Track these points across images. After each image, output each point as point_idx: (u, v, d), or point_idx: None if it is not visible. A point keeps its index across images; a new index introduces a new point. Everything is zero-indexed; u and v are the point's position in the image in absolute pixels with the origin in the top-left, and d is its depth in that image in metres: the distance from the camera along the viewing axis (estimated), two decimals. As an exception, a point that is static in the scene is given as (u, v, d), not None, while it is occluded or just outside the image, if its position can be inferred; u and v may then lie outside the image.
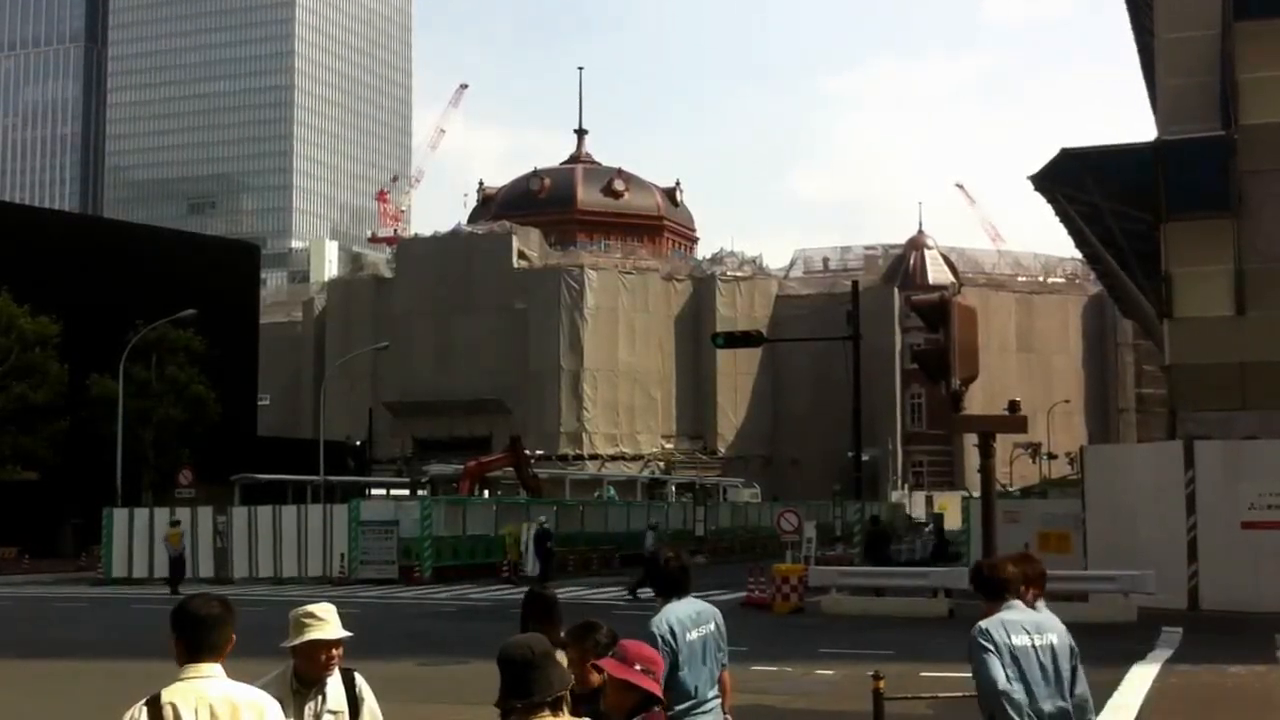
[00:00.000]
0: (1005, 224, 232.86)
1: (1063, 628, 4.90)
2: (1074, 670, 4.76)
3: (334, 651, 4.08)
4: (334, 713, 4.09)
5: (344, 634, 4.11)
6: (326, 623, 4.06)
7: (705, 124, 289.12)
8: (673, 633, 5.06)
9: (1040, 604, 5.00)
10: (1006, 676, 4.62)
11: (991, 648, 4.66)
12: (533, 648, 3.34)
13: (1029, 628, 4.73)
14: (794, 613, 21.14)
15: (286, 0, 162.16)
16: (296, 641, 4.04)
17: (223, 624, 3.47)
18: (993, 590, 4.84)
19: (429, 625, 20.52)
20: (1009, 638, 4.67)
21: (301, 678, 4.08)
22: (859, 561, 27.35)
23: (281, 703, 3.90)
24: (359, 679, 4.20)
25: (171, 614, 3.48)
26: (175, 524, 31.37)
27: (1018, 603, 4.81)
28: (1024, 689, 4.63)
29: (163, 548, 32.94)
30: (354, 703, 4.14)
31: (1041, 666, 4.68)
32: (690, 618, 5.18)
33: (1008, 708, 4.58)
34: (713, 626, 5.33)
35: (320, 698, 4.08)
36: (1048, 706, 4.65)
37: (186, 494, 37.77)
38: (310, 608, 4.09)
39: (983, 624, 4.75)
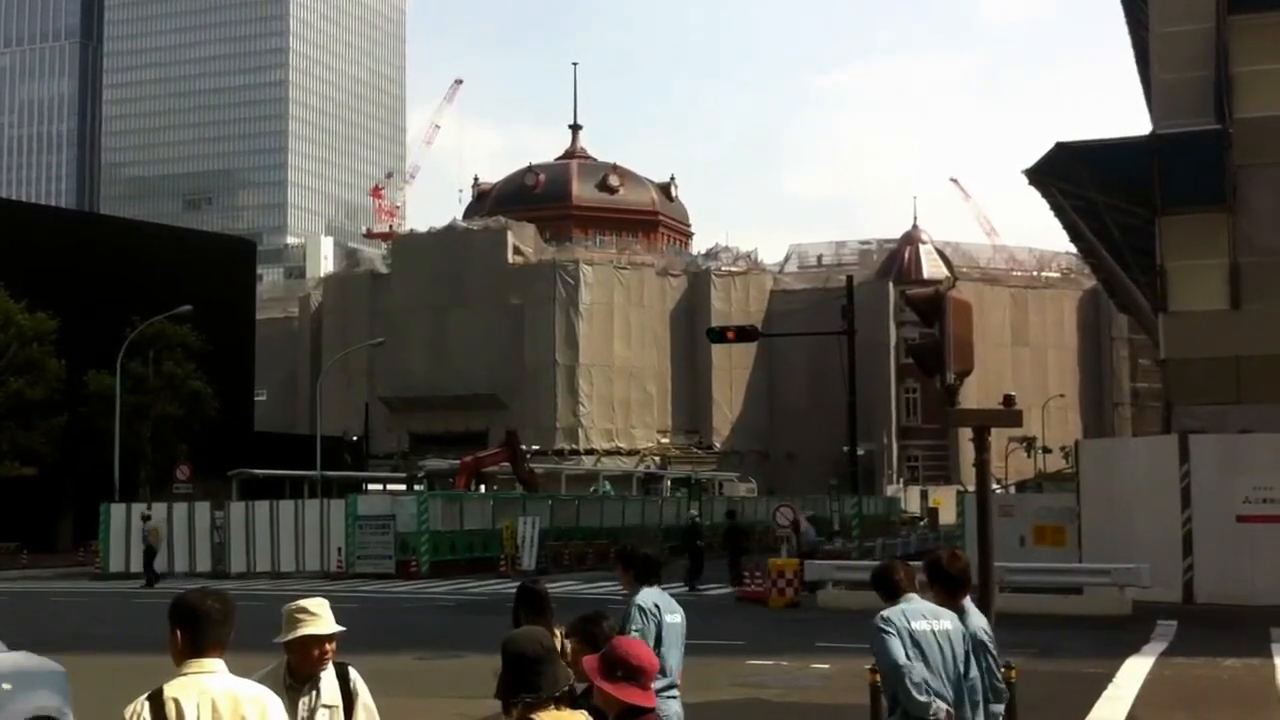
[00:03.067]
0: (1000, 219, 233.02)
1: (975, 623, 5.33)
2: (968, 655, 5.12)
3: (327, 647, 4.06)
4: (328, 707, 4.07)
5: (336, 629, 4.09)
6: (319, 617, 4.04)
7: (700, 119, 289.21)
8: (656, 608, 5.44)
9: (966, 602, 5.41)
10: (907, 655, 4.98)
11: (892, 630, 5.03)
12: (541, 642, 3.36)
13: (927, 615, 5.13)
14: (790, 607, 21.18)
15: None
16: (289, 637, 4.03)
17: (226, 620, 3.47)
18: (889, 591, 5.26)
19: (426, 620, 20.55)
20: (909, 622, 5.05)
21: (295, 673, 4.07)
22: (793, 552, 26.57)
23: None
24: (353, 673, 4.18)
25: (171, 607, 3.46)
26: (148, 518, 31.19)
27: (914, 596, 5.21)
28: (924, 668, 4.98)
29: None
30: (348, 697, 4.12)
31: (940, 649, 5.04)
32: (667, 603, 5.54)
33: (908, 682, 4.90)
34: (681, 617, 5.70)
35: (314, 693, 4.07)
36: (942, 686, 5.01)
37: (184, 489, 37.77)
38: (302, 602, 4.08)
39: (884, 612, 5.14)
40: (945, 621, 5.14)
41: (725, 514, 30.32)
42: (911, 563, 5.99)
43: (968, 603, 5.41)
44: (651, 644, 5.20)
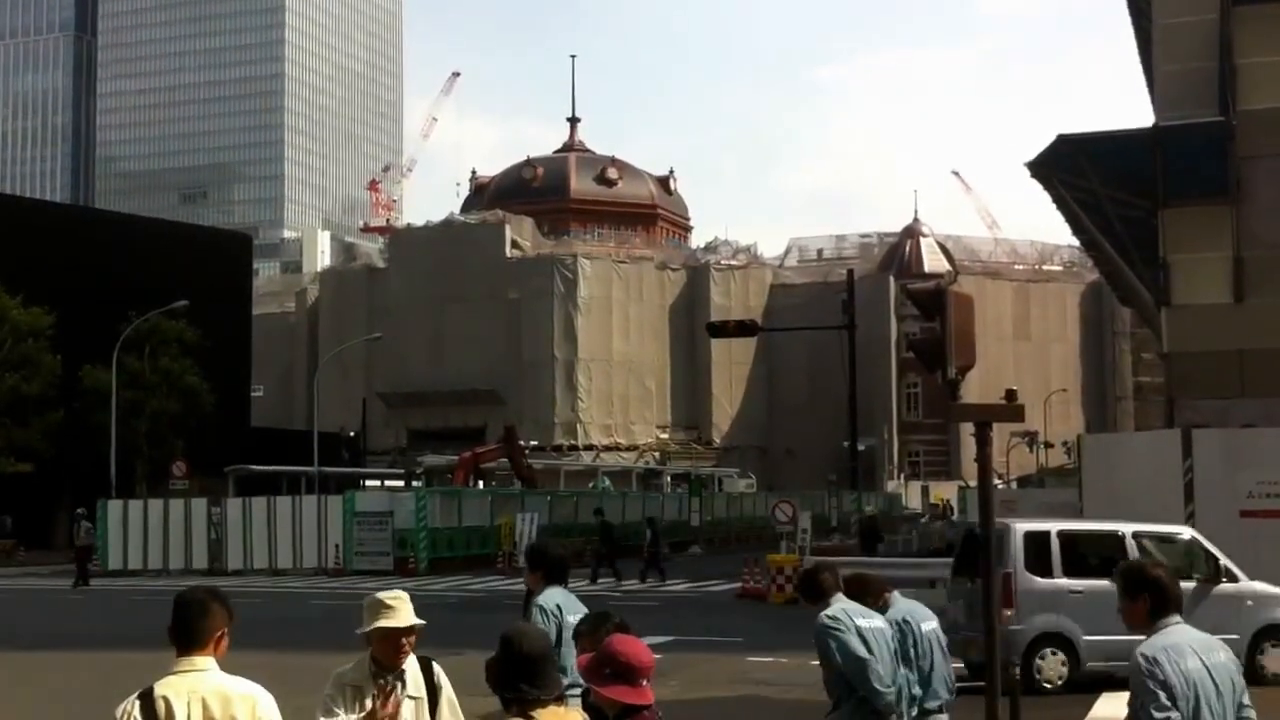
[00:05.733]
0: (1002, 212, 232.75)
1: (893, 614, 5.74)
2: (897, 651, 5.53)
3: (406, 640, 4.14)
4: (414, 699, 4.14)
5: (416, 622, 4.16)
6: (398, 610, 4.11)
7: (699, 112, 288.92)
8: (559, 608, 5.50)
9: (892, 596, 5.77)
10: (866, 648, 5.24)
11: (843, 629, 5.26)
12: (546, 640, 3.43)
13: (861, 613, 5.44)
14: (789, 603, 21.07)
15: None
16: (369, 628, 4.10)
17: (212, 616, 3.44)
18: (816, 594, 5.54)
19: (425, 617, 19.95)
20: (854, 620, 5.32)
21: (379, 663, 4.14)
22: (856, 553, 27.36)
23: (361, 687, 4.08)
24: (437, 668, 4.26)
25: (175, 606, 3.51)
26: (84, 516, 30.52)
27: (842, 596, 5.48)
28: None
29: (156, 538, 32.93)
30: (433, 690, 4.19)
31: (886, 646, 5.42)
32: (570, 604, 5.62)
33: (870, 677, 5.08)
34: (579, 618, 5.72)
35: (400, 683, 4.14)
36: (892, 681, 5.40)
37: (180, 485, 37.65)
38: (383, 595, 4.16)
39: (828, 611, 5.36)
40: (878, 620, 5.46)
41: (594, 511, 30.86)
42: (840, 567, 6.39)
43: (894, 595, 5.79)
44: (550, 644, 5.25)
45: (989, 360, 61.88)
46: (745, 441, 74.01)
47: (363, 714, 4.01)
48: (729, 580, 25.00)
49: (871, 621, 5.44)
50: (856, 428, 29.88)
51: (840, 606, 5.44)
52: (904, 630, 5.63)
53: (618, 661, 3.34)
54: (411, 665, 4.18)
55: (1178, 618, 4.10)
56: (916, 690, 5.64)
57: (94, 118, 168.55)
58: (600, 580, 26.56)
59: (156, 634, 3.68)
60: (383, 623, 4.09)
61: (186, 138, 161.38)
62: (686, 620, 18.70)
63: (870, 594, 5.70)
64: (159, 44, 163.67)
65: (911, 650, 5.65)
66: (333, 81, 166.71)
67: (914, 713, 5.60)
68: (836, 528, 34.38)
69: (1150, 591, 4.07)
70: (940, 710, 5.72)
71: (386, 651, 4.13)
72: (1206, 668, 4.04)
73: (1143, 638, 4.10)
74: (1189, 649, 4.05)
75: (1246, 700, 4.17)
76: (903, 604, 5.83)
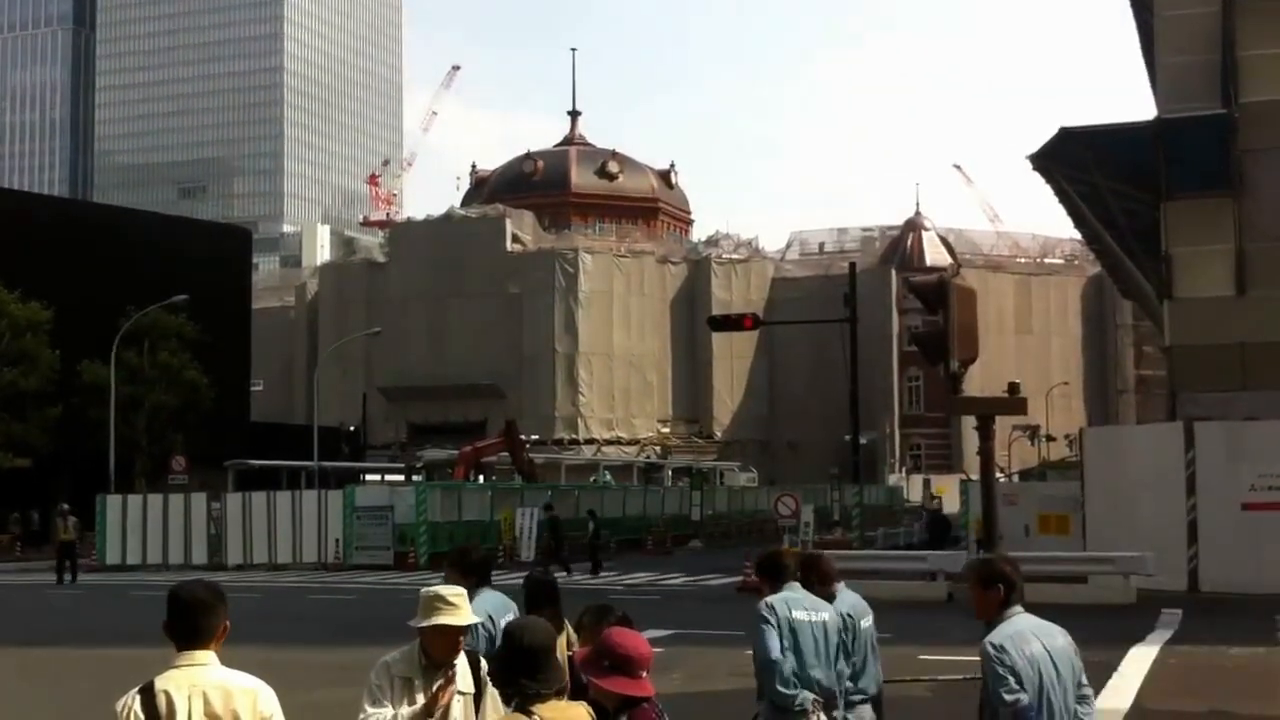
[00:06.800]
0: (1003, 205, 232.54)
1: (839, 609, 5.68)
2: (840, 644, 5.50)
3: (462, 636, 4.16)
4: (463, 694, 4.15)
5: (473, 620, 4.19)
6: (457, 608, 4.12)
7: (700, 105, 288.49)
8: (491, 620, 5.43)
9: (839, 587, 5.78)
10: (781, 648, 5.26)
11: (773, 621, 5.30)
12: (548, 634, 3.43)
13: (806, 605, 5.44)
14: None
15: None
16: (424, 624, 4.11)
17: (213, 610, 3.45)
18: (775, 576, 5.55)
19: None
20: (790, 612, 5.34)
21: (430, 656, 4.16)
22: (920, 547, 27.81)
23: (410, 679, 4.09)
24: (484, 663, 4.27)
25: (166, 600, 3.48)
26: (69, 512, 30.16)
27: (796, 584, 5.51)
28: (797, 659, 5.31)
29: (156, 533, 32.84)
30: (479, 686, 4.19)
31: (814, 639, 5.36)
32: (500, 606, 5.59)
33: (774, 677, 5.21)
34: (513, 615, 5.69)
35: (450, 677, 4.16)
36: (818, 675, 5.34)
37: (180, 480, 37.58)
38: (441, 590, 4.15)
39: (767, 599, 5.39)
40: (824, 613, 5.45)
41: (543, 507, 31.25)
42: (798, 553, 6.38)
43: (841, 586, 5.81)
44: (484, 649, 5.23)
45: (990, 354, 61.60)
46: (746, 435, 73.97)
47: (415, 707, 4.04)
48: (730, 574, 24.93)
49: (813, 615, 5.37)
50: (858, 421, 29.81)
51: (785, 595, 5.40)
52: (846, 624, 5.62)
53: (616, 653, 3.35)
54: (460, 660, 4.18)
55: (1020, 607, 4.51)
56: (849, 684, 5.64)
57: (92, 111, 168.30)
58: (552, 573, 27.00)
59: (154, 629, 3.63)
60: (441, 620, 4.08)
61: (185, 131, 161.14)
62: (688, 614, 18.64)
63: (817, 577, 5.67)
64: (157, 37, 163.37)
65: (851, 644, 5.65)
66: (332, 75, 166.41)
67: (841, 705, 5.58)
68: (839, 521, 34.35)
69: (1003, 584, 4.48)
70: (865, 701, 5.72)
71: (441, 647, 4.12)
72: (1048, 651, 4.44)
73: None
74: (1031, 635, 4.45)
75: (1084, 680, 4.57)
76: (849, 597, 5.79)
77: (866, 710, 5.70)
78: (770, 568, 5.60)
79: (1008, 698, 4.33)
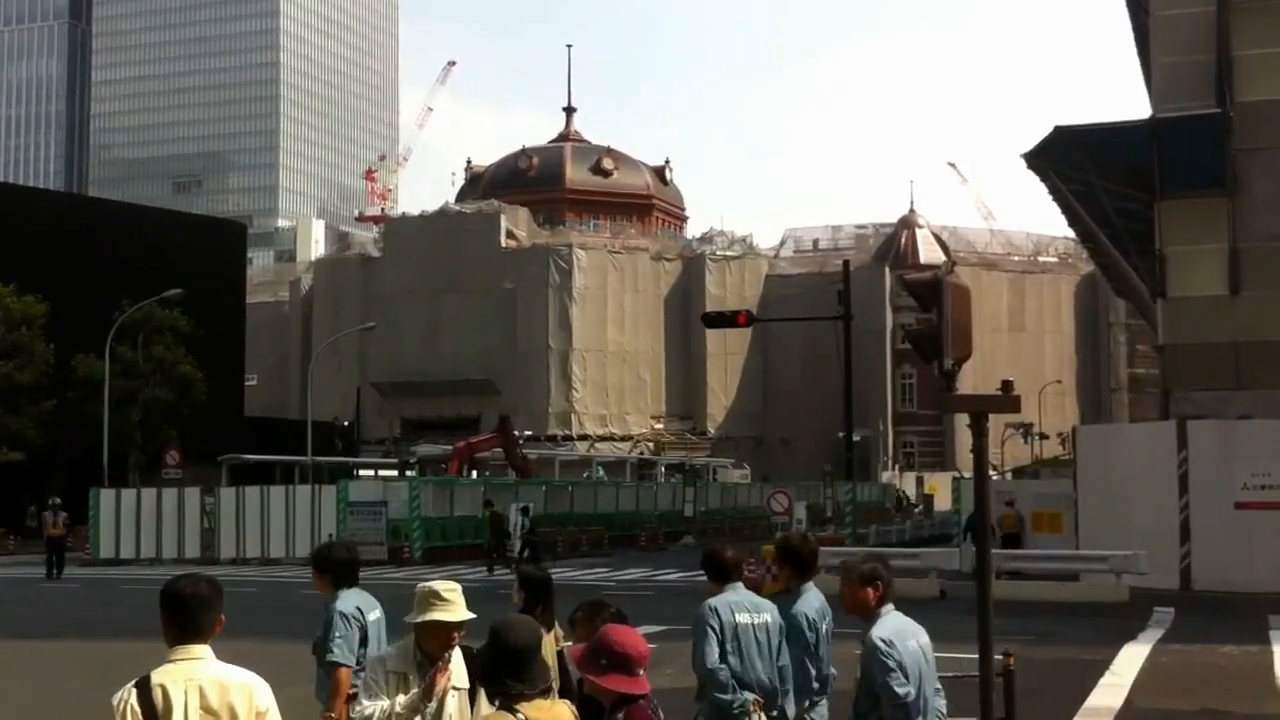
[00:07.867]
0: (998, 203, 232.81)
1: (801, 607, 5.66)
2: (780, 645, 5.49)
3: (457, 631, 4.14)
4: (457, 689, 4.14)
5: (468, 616, 4.16)
6: (452, 604, 4.12)
7: (695, 102, 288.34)
8: (359, 610, 5.41)
9: (808, 585, 5.74)
10: (721, 654, 5.27)
11: (715, 626, 5.30)
12: (535, 633, 3.42)
13: (748, 607, 5.44)
14: (783, 593, 21.04)
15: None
16: (420, 619, 4.11)
17: (210, 605, 3.45)
18: (719, 573, 5.53)
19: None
20: (733, 616, 5.35)
21: (425, 651, 4.15)
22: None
23: (406, 674, 4.11)
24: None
25: (160, 595, 3.47)
26: (57, 506, 30.12)
27: (740, 584, 5.52)
28: (739, 661, 5.32)
29: (149, 527, 32.77)
30: (474, 681, 4.16)
31: (757, 642, 5.37)
32: (368, 603, 5.51)
33: (710, 683, 5.25)
34: (380, 612, 5.63)
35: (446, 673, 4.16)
36: (760, 676, 5.35)
37: (173, 474, 37.50)
38: (437, 586, 4.16)
39: (711, 602, 5.39)
40: (765, 614, 5.45)
41: (484, 503, 31.54)
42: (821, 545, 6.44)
43: (809, 586, 5.76)
44: (357, 647, 5.24)
45: (984, 351, 61.94)
46: (740, 432, 74.02)
47: (414, 691, 4.04)
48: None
49: (755, 617, 5.36)
50: (852, 418, 29.85)
51: (727, 598, 5.38)
52: (814, 627, 5.64)
53: (613, 651, 3.32)
54: (455, 655, 4.17)
55: (892, 605, 4.77)
56: (814, 685, 5.67)
57: (88, 105, 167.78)
58: (496, 571, 27.20)
59: (149, 623, 3.64)
60: (436, 616, 4.08)
61: (181, 125, 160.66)
62: (681, 609, 18.68)
63: (801, 568, 5.69)
64: (153, 31, 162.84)
65: (817, 646, 5.67)
66: (328, 70, 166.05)
67: (805, 703, 5.61)
68: (831, 518, 34.40)
69: (880, 582, 4.75)
70: (823, 696, 5.77)
71: (435, 643, 4.12)
72: (920, 648, 4.73)
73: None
74: (909, 632, 4.73)
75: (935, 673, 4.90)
76: (813, 597, 5.74)
77: (824, 707, 5.75)
78: (713, 567, 5.55)
79: (899, 690, 4.52)
